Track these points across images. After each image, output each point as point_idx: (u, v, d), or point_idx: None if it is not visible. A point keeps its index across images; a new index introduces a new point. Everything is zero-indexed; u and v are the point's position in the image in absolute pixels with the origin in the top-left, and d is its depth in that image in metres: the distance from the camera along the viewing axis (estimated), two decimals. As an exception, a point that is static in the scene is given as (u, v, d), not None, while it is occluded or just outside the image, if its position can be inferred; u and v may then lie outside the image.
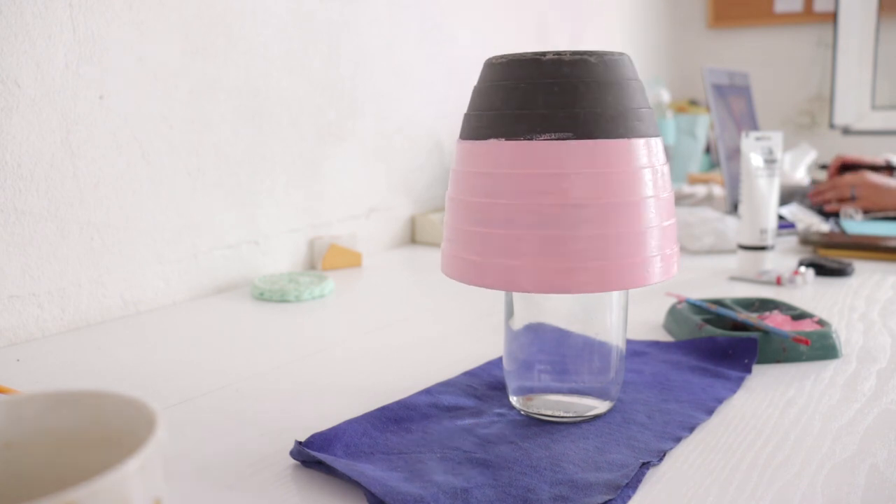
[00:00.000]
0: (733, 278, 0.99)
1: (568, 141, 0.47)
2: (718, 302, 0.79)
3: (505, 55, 0.50)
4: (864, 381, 0.62)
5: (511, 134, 0.49)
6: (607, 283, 0.48)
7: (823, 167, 1.88)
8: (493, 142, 0.49)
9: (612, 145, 0.48)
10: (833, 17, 2.34)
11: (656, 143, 0.51)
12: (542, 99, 0.48)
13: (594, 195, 0.47)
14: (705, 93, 1.50)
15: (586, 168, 0.47)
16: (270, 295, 0.92)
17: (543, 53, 0.48)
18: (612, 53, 0.49)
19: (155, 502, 0.26)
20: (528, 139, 0.48)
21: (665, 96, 1.98)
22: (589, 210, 0.47)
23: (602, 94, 0.48)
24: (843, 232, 1.24)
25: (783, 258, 1.10)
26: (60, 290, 0.80)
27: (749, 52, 2.53)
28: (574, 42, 1.87)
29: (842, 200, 1.44)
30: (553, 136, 0.47)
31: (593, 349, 0.54)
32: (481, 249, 0.49)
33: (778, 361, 0.66)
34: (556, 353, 0.55)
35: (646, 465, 0.46)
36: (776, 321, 0.71)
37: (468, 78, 1.33)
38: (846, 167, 1.58)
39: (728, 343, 0.66)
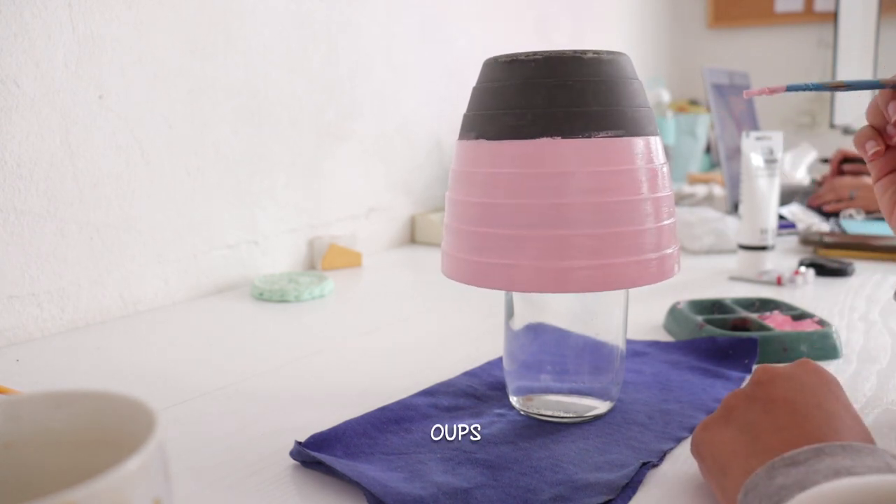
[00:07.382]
0: (733, 278, 0.99)
1: (550, 139, 0.47)
2: (718, 302, 0.79)
3: (495, 56, 0.50)
4: (864, 381, 0.61)
5: (494, 134, 0.48)
6: (607, 283, 0.48)
7: (825, 161, 1.91)
8: (481, 142, 0.49)
9: (599, 144, 0.47)
10: (833, 17, 2.34)
11: (653, 143, 0.50)
12: (523, 99, 0.48)
13: (586, 194, 0.47)
14: (705, 93, 1.50)
15: (575, 167, 0.47)
16: (270, 295, 0.91)
17: (526, 54, 0.48)
18: (603, 52, 0.48)
19: (155, 503, 0.26)
20: (512, 138, 0.48)
21: (665, 96, 1.98)
22: (583, 209, 0.47)
23: (591, 93, 0.47)
24: (844, 232, 1.24)
25: (783, 258, 1.10)
26: (60, 290, 0.80)
27: (749, 52, 2.53)
28: (574, 42, 1.87)
29: (841, 201, 1.46)
30: (535, 136, 0.47)
31: (593, 349, 0.54)
32: (479, 249, 0.49)
33: (778, 362, 0.66)
34: (556, 353, 0.55)
35: (646, 466, 0.46)
36: (776, 321, 0.71)
37: (468, 78, 1.32)
38: (847, 160, 1.60)
39: (728, 343, 0.66)
